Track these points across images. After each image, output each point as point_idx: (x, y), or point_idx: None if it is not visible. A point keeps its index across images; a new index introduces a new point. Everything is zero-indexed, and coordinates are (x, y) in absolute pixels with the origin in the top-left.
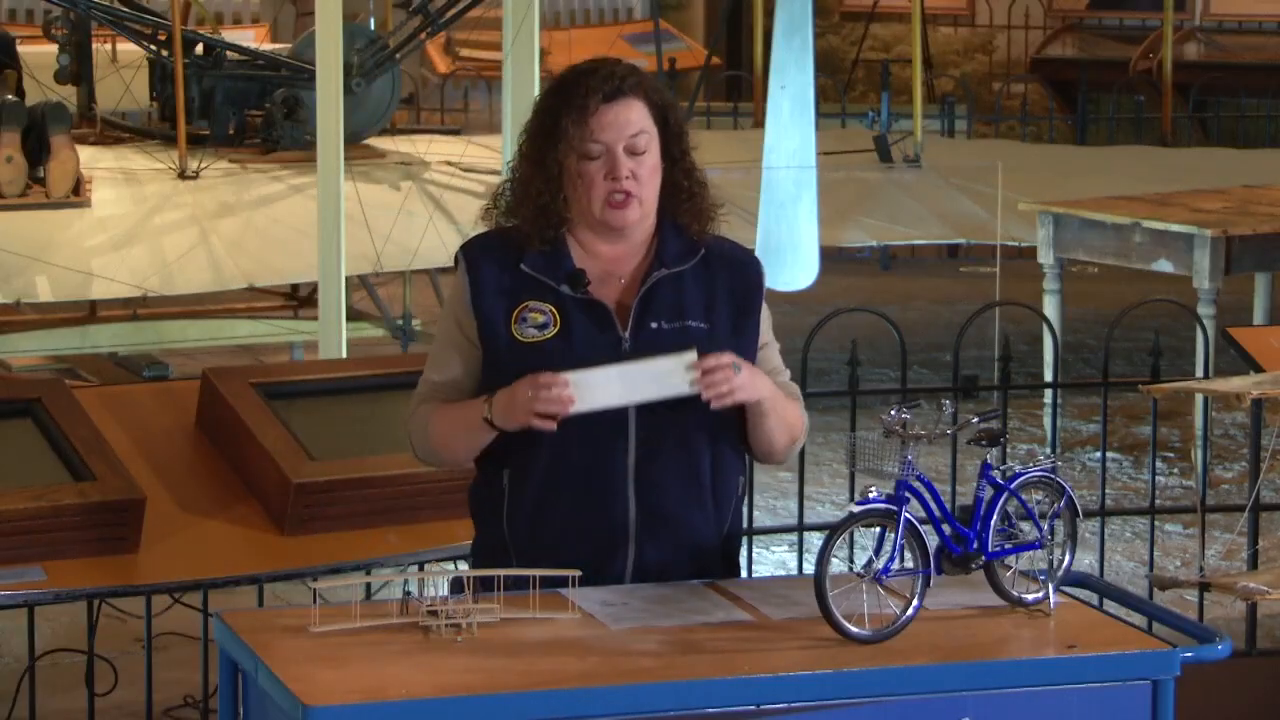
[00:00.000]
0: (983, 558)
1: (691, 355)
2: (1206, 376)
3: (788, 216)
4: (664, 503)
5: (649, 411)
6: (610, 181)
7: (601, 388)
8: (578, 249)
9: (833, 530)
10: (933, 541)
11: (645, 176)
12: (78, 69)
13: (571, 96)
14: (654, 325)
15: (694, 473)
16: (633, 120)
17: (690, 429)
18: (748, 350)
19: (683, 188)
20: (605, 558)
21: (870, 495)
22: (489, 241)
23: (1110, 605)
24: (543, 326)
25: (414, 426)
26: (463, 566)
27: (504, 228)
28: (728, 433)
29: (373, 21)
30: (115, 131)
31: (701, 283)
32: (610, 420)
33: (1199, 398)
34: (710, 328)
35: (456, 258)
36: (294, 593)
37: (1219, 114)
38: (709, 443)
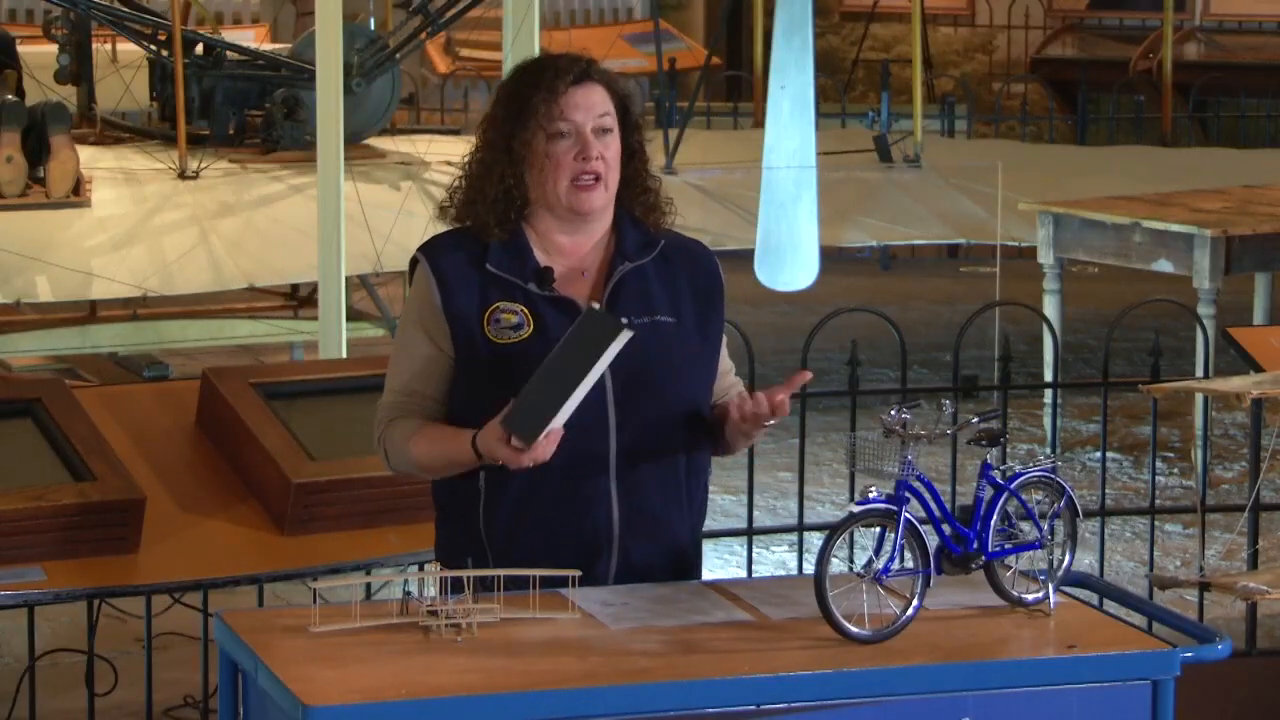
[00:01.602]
0: (983, 558)
1: (625, 336)
2: (1206, 376)
3: (788, 216)
4: (646, 504)
5: (629, 414)
6: (580, 162)
7: (567, 412)
8: (537, 241)
9: (833, 530)
10: (933, 541)
11: (611, 160)
12: (78, 69)
13: (540, 78)
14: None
15: (673, 473)
16: (599, 103)
17: (669, 429)
18: (714, 342)
19: (641, 179)
20: (589, 560)
21: (870, 495)
22: (449, 242)
23: (1110, 605)
24: (517, 328)
25: (391, 444)
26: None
27: (458, 229)
28: (700, 432)
29: (373, 21)
30: (115, 131)
31: (664, 276)
32: (590, 425)
33: (1199, 398)
34: (677, 321)
35: (415, 260)
36: (294, 593)
37: (1219, 114)
38: (685, 442)
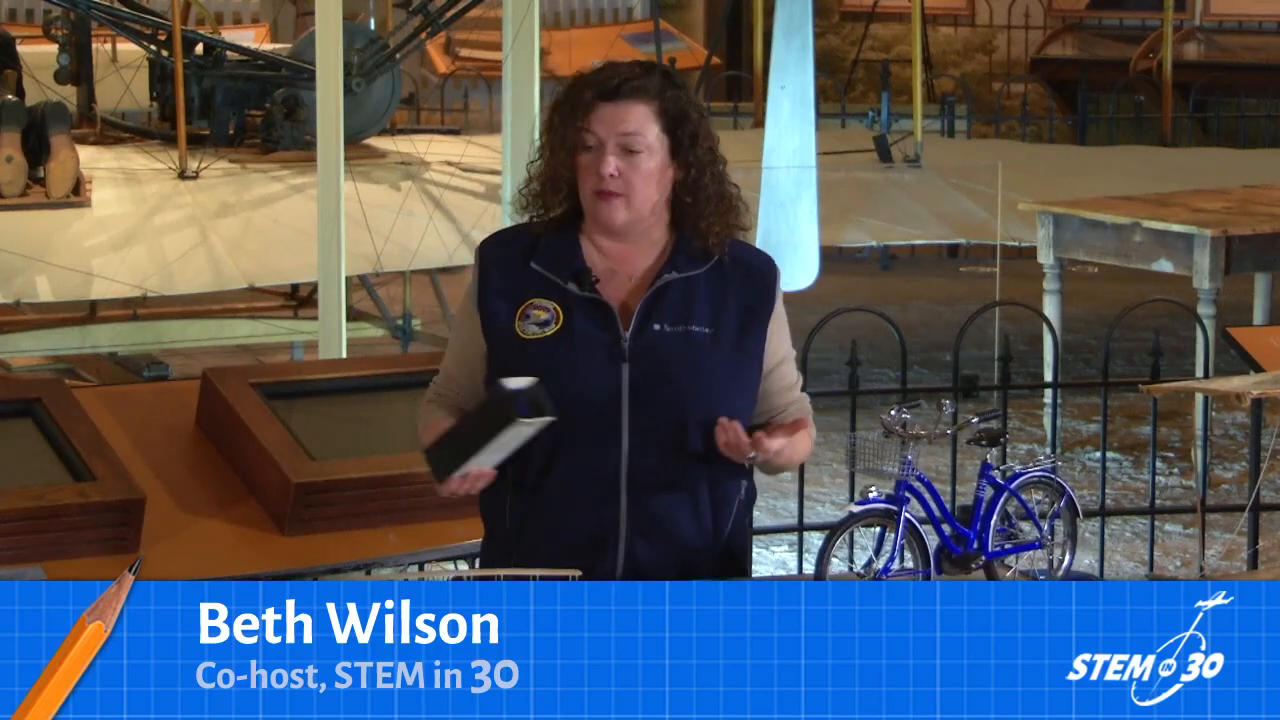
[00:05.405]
0: (983, 558)
1: (537, 422)
2: (1206, 376)
3: (788, 216)
4: (654, 502)
5: (644, 417)
6: (596, 177)
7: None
8: (589, 245)
9: (833, 530)
10: (933, 541)
11: (636, 180)
12: (78, 69)
13: (573, 89)
14: (656, 327)
15: (685, 473)
16: (627, 121)
17: (688, 436)
18: (749, 355)
19: (701, 200)
20: (596, 556)
21: (870, 495)
22: (504, 239)
23: None
24: (544, 324)
25: (418, 419)
26: (463, 566)
27: (520, 225)
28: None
29: (373, 21)
30: (115, 131)
31: (714, 288)
32: (602, 418)
33: (1199, 398)
34: (714, 333)
35: (476, 253)
36: None
37: (1219, 114)
38: (704, 444)
